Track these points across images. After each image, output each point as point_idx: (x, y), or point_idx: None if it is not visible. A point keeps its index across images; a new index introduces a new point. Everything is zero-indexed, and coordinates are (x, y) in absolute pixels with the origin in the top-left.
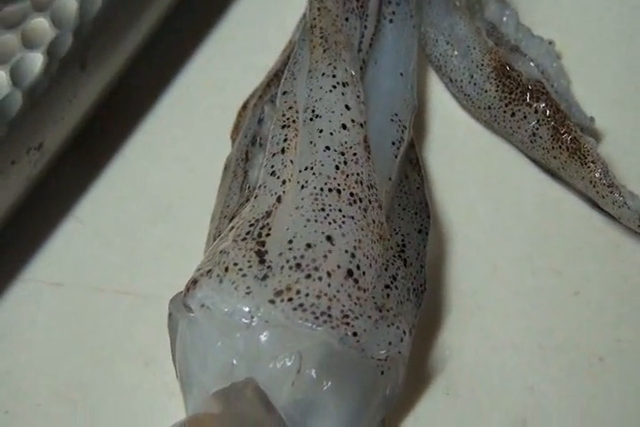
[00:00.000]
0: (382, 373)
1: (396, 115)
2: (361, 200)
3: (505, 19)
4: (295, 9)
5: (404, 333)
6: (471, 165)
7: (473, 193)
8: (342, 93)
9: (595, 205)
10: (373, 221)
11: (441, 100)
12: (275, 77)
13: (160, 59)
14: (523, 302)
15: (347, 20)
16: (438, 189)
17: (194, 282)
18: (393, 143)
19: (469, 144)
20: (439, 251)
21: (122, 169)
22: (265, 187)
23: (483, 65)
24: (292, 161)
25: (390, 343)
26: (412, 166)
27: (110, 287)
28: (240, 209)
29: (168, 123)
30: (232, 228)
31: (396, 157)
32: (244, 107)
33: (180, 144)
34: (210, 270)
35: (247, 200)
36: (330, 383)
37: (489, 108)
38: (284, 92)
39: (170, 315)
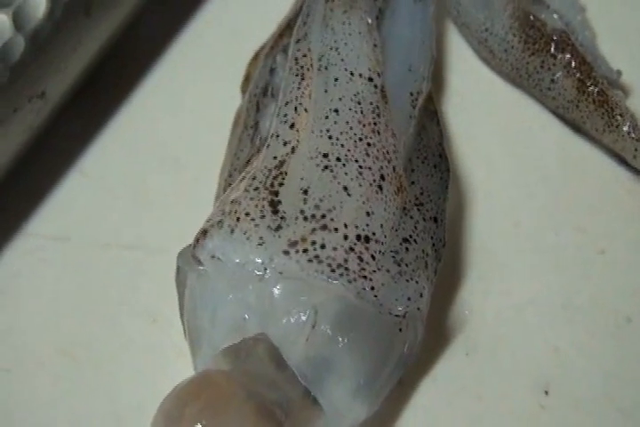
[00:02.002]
0: (400, 330)
1: (415, 65)
2: (378, 150)
3: None
4: None
5: (424, 288)
6: (492, 119)
7: (494, 148)
8: (358, 42)
9: (621, 160)
10: (392, 172)
11: (460, 52)
12: (287, 28)
13: (169, 7)
14: (545, 259)
15: None
16: (458, 143)
17: (203, 233)
18: (411, 94)
19: (490, 98)
20: (459, 206)
21: (128, 120)
22: (278, 136)
23: (505, 15)
24: (306, 109)
25: (409, 299)
26: (431, 119)
27: (116, 242)
28: (251, 160)
29: (177, 73)
30: (243, 178)
31: (414, 107)
32: (256, 57)
33: (189, 95)
34: (220, 221)
35: (258, 151)
36: (346, 340)
37: (511, 59)
38: (298, 40)
39: (178, 269)
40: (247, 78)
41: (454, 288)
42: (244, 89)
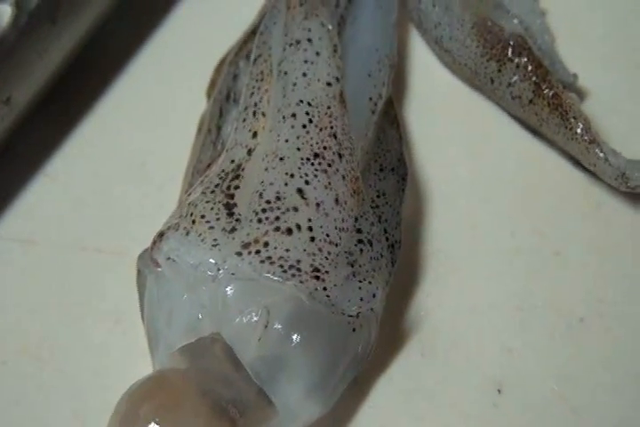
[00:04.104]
0: (354, 330)
1: (375, 71)
2: (334, 154)
3: None
4: None
5: (377, 289)
6: (451, 122)
7: (453, 151)
8: (318, 47)
9: (576, 163)
10: (347, 175)
11: (421, 56)
12: (252, 34)
13: (135, 14)
14: (501, 262)
15: None
16: (418, 146)
17: (160, 235)
18: (370, 99)
19: (450, 101)
20: (417, 209)
21: (94, 125)
22: (236, 140)
23: (464, 20)
24: (264, 114)
25: (362, 299)
26: (390, 123)
27: (81, 245)
28: (212, 164)
29: (143, 79)
30: (202, 181)
31: (373, 112)
32: (221, 64)
33: (155, 101)
34: (177, 223)
35: (219, 155)
36: (298, 340)
37: (470, 64)
38: (259, 46)
39: (138, 271)
40: (212, 84)
41: (411, 289)
42: (209, 94)
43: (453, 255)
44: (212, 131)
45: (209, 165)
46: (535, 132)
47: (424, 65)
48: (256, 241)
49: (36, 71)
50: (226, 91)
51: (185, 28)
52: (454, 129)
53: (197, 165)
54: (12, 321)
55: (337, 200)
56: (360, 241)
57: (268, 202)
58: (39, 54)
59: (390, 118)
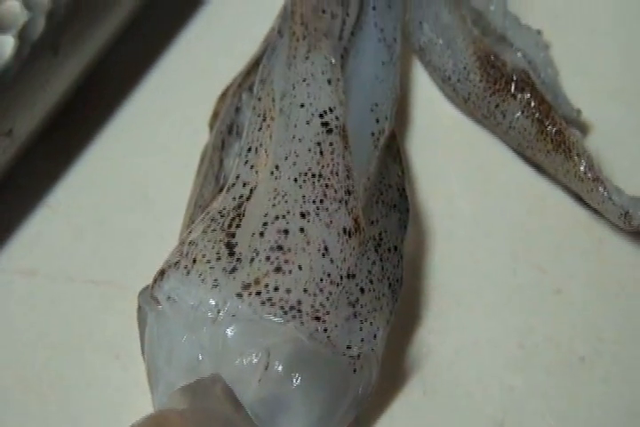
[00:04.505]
0: (354, 371)
1: (378, 105)
2: (336, 191)
3: (492, 7)
4: None
5: (378, 329)
6: (454, 156)
7: (455, 186)
8: (320, 82)
9: (579, 199)
10: (348, 214)
11: (425, 89)
12: (255, 65)
13: (138, 44)
14: (503, 299)
15: (328, 6)
16: (420, 180)
17: (161, 273)
18: (373, 134)
19: (453, 135)
20: (419, 245)
21: (97, 156)
22: (238, 177)
23: (467, 54)
24: (266, 151)
25: (363, 340)
26: (393, 158)
27: (83, 277)
28: (214, 199)
29: (146, 110)
30: (203, 218)
31: (375, 147)
32: (224, 95)
33: (158, 132)
34: (178, 262)
35: (221, 190)
36: (299, 381)
37: (473, 98)
38: (261, 80)
39: (139, 308)
40: (215, 115)
41: (412, 326)
42: (212, 125)
43: (455, 291)
44: (214, 164)
45: (211, 200)
46: (538, 167)
47: (427, 97)
48: (257, 282)
49: (38, 102)
50: (228, 123)
51: (188, 58)
52: (457, 163)
53: (199, 199)
54: (13, 353)
55: (339, 239)
56: (361, 281)
57: (269, 242)
58: (42, 85)
59: (393, 153)
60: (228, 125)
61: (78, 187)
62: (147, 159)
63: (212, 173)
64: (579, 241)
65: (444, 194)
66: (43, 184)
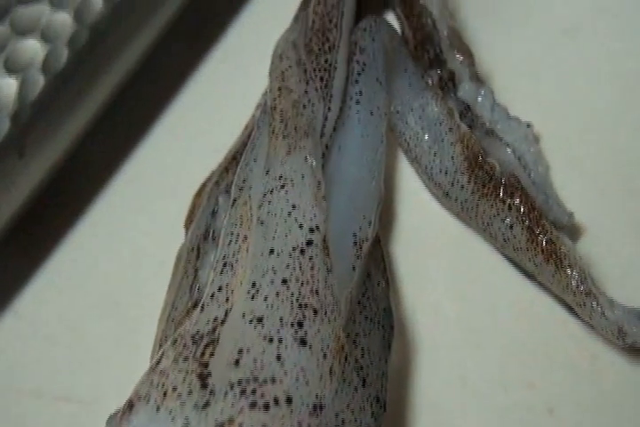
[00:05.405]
0: None
1: (360, 207)
2: (316, 312)
3: (480, 99)
4: (257, 80)
5: None
6: (441, 260)
7: (442, 292)
8: (301, 187)
9: (571, 309)
10: (329, 336)
11: (411, 186)
12: (233, 160)
13: (107, 140)
14: (493, 419)
15: (309, 101)
16: (405, 285)
17: (130, 406)
18: (355, 243)
19: (440, 237)
20: (403, 358)
21: (66, 260)
22: (212, 297)
23: (455, 153)
24: (242, 266)
25: None
26: (377, 266)
27: (50, 393)
28: (187, 315)
29: (117, 209)
30: (175, 341)
31: (358, 257)
32: (199, 194)
33: (130, 233)
34: (147, 394)
35: (195, 305)
36: None
37: (461, 199)
38: (238, 184)
39: None
40: (190, 215)
41: None
42: (187, 226)
43: (442, 410)
44: (188, 273)
45: (184, 315)
46: (528, 274)
47: (413, 195)
48: (230, 421)
49: (4, 206)
50: (204, 228)
51: (161, 154)
52: (443, 267)
53: (172, 312)
54: None
55: (318, 365)
56: (342, 411)
57: (245, 373)
58: (7, 189)
59: (377, 261)
60: (203, 230)
61: (47, 293)
62: (118, 264)
63: (187, 284)
64: (571, 355)
65: (430, 301)
66: (9, 289)
